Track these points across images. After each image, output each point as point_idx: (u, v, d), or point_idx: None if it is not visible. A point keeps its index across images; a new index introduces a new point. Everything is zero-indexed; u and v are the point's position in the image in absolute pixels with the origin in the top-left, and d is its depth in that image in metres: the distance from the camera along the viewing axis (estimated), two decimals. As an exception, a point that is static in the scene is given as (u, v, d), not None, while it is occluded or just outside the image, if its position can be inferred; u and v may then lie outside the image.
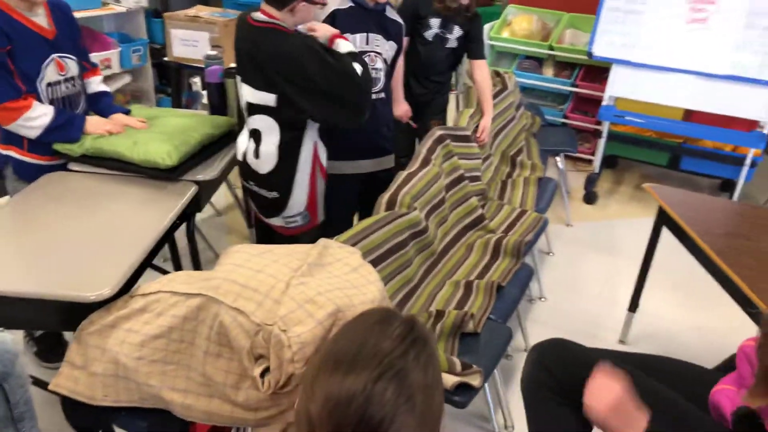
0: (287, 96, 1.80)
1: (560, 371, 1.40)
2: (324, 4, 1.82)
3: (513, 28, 4.05)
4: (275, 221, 2.03)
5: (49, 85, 1.90)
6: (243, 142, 1.98)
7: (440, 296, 1.97)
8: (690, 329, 2.58)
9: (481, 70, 2.74)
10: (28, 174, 1.95)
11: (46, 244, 1.61)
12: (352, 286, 1.32)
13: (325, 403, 0.79)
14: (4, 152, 1.95)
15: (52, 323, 1.62)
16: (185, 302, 1.33)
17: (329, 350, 0.86)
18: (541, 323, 2.54)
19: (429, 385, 0.83)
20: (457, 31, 2.64)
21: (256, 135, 1.88)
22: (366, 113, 1.87)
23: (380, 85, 2.24)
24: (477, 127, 2.72)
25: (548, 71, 4.06)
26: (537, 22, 4.05)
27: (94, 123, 2.00)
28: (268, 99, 1.82)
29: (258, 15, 1.81)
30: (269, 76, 1.79)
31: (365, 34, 2.16)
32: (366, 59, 2.18)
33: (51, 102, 1.92)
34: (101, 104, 2.15)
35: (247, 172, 2.00)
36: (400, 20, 2.28)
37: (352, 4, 2.14)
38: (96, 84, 2.16)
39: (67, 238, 1.64)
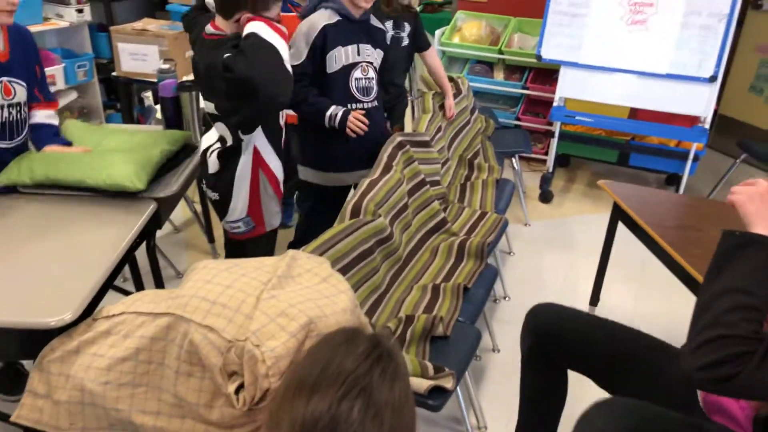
0: (220, 104, 1.82)
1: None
2: (278, 21, 1.80)
3: (463, 33, 4.13)
4: (223, 225, 2.02)
5: None
6: (207, 141, 1.96)
7: (408, 301, 1.99)
8: (647, 317, 2.67)
9: (432, 56, 2.94)
10: None
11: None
12: (323, 296, 1.32)
13: (291, 429, 0.77)
14: None
15: (12, 352, 1.56)
16: (153, 322, 1.29)
17: (292, 376, 0.84)
18: (506, 322, 2.59)
19: (397, 400, 0.82)
20: (407, 28, 2.76)
21: (222, 140, 1.89)
22: (273, 92, 1.68)
23: (373, 93, 2.28)
24: (439, 128, 2.79)
25: (499, 75, 4.15)
26: (486, 27, 4.14)
27: None
28: (212, 107, 1.84)
29: (208, 28, 1.81)
30: (206, 85, 1.83)
31: (356, 45, 2.20)
32: (359, 70, 2.22)
33: None
34: (40, 134, 2.02)
35: (203, 171, 1.99)
36: (382, 27, 2.34)
37: (340, 18, 2.18)
38: (42, 117, 2.04)
39: (23, 263, 1.57)
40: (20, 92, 1.90)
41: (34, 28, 3.34)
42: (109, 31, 3.43)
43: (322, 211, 2.42)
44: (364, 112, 2.24)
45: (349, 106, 2.24)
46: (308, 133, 2.35)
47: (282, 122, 2.03)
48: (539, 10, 3.59)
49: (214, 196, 1.94)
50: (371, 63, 2.26)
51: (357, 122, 2.20)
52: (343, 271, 1.78)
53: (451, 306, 1.94)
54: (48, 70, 3.37)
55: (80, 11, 3.63)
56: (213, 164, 1.90)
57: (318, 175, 2.39)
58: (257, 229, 2.00)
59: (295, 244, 2.48)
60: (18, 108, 1.91)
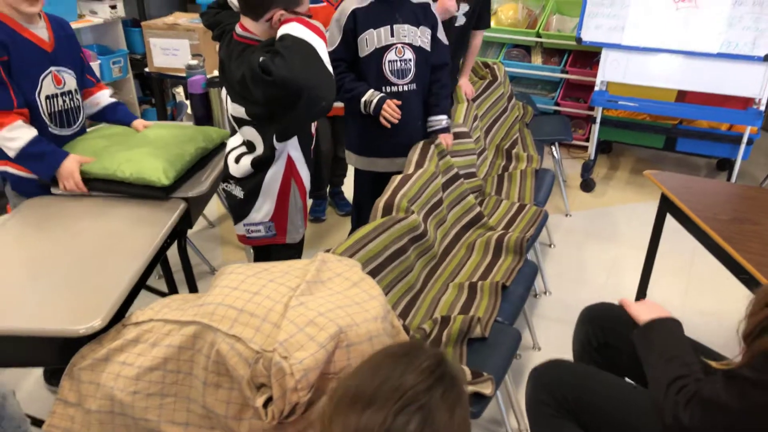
0: (253, 110, 1.71)
1: (558, 390, 1.44)
2: (309, 16, 1.71)
3: (499, 16, 3.99)
4: (239, 229, 1.92)
5: (47, 97, 1.88)
6: (231, 144, 1.88)
7: (444, 300, 1.92)
8: (697, 314, 2.53)
9: (478, 39, 2.84)
10: (27, 189, 1.93)
11: (31, 275, 1.54)
12: (354, 303, 1.26)
13: None
14: (0, 168, 1.92)
15: (44, 359, 1.56)
16: (180, 331, 1.27)
17: (347, 386, 0.79)
18: (547, 318, 2.49)
19: (456, 428, 0.77)
20: (463, 7, 2.62)
21: (250, 145, 1.79)
22: (316, 96, 1.58)
23: (410, 75, 2.20)
24: (475, 117, 2.69)
25: (537, 59, 4.00)
26: (522, 9, 3.98)
27: (67, 169, 1.85)
28: (241, 111, 1.73)
29: (237, 29, 1.72)
30: (239, 91, 1.71)
31: (388, 26, 2.13)
32: (393, 52, 2.14)
33: (50, 115, 1.90)
34: (119, 114, 2.16)
35: (225, 170, 1.90)
36: (428, 0, 2.23)
37: (373, 0, 2.11)
38: (107, 97, 2.15)
39: (54, 267, 1.57)
40: (69, 80, 1.95)
41: (68, 26, 3.36)
42: (141, 26, 3.43)
43: (368, 196, 2.37)
44: (399, 101, 2.16)
45: (383, 89, 2.18)
46: (350, 117, 2.33)
47: (313, 129, 1.93)
48: (579, -11, 3.43)
49: (240, 194, 1.83)
50: (409, 44, 2.16)
51: (390, 111, 2.13)
52: (376, 271, 1.72)
53: (489, 306, 1.86)
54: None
55: (113, 7, 3.64)
56: (239, 169, 1.81)
57: (359, 160, 2.37)
58: (277, 238, 1.90)
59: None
60: (70, 96, 1.96)
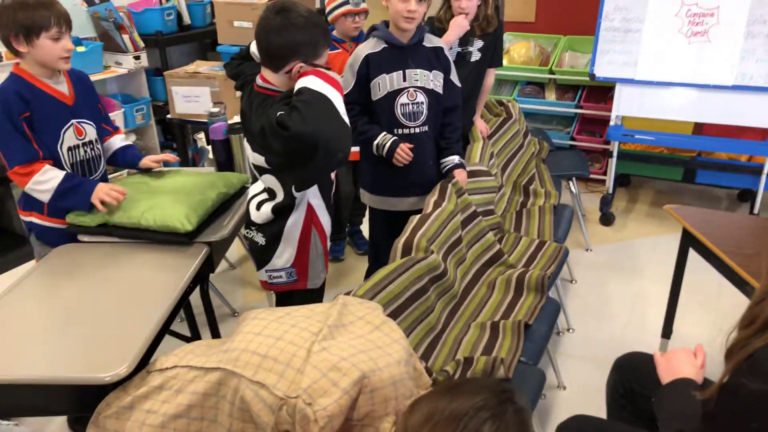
0: (272, 160, 1.74)
1: None
2: (327, 68, 1.74)
3: (512, 55, 4.05)
4: (261, 275, 1.92)
5: (69, 149, 1.95)
6: (253, 191, 1.90)
7: (466, 341, 1.90)
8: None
9: (490, 77, 2.86)
10: (51, 239, 1.97)
11: (57, 323, 1.56)
12: (376, 347, 1.26)
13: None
14: (26, 219, 1.99)
15: (70, 407, 1.57)
16: (204, 377, 1.27)
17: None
18: (571, 356, 2.45)
19: None
20: (477, 43, 2.67)
21: (271, 192, 1.81)
22: (333, 148, 1.60)
23: (422, 118, 2.23)
24: (491, 155, 2.71)
25: (551, 95, 4.04)
26: (535, 47, 4.05)
27: (101, 189, 1.92)
28: (261, 160, 1.76)
29: (258, 80, 1.76)
30: (256, 142, 1.74)
31: (401, 71, 2.17)
32: (405, 96, 2.19)
33: (72, 165, 1.97)
34: (128, 156, 2.21)
35: (246, 216, 1.91)
36: (439, 43, 2.27)
37: (386, 46, 2.17)
38: (120, 140, 2.21)
39: (79, 315, 1.59)
40: (90, 131, 2.03)
41: (95, 77, 3.49)
42: (163, 75, 3.55)
43: (382, 235, 2.41)
44: (410, 145, 2.19)
45: (395, 131, 2.21)
46: (364, 157, 2.37)
47: (333, 176, 1.97)
48: (590, 27, 3.48)
49: (261, 240, 1.85)
50: (422, 87, 2.20)
51: (403, 155, 2.18)
52: (397, 312, 1.72)
53: (512, 346, 1.84)
54: (109, 116, 3.51)
55: (137, 58, 3.78)
56: (260, 215, 1.82)
57: (372, 199, 2.41)
58: (298, 284, 1.91)
59: (370, 271, 2.52)
60: (91, 146, 2.04)
